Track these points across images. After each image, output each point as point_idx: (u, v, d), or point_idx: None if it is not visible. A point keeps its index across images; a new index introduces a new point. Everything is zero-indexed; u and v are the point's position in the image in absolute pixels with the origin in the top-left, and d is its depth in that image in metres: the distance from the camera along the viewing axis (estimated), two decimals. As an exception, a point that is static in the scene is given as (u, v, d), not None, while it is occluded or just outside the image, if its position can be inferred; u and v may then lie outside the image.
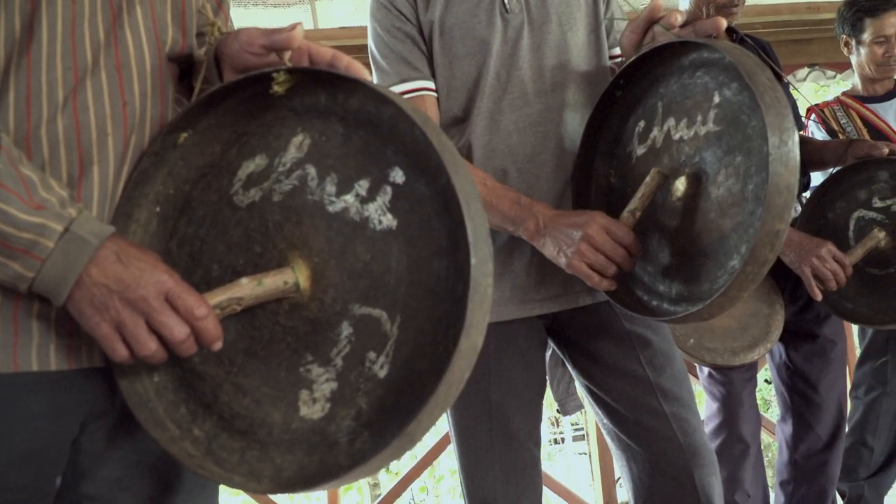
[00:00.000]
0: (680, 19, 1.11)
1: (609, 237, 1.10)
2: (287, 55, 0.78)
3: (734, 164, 1.04)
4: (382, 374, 0.70)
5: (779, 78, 2.00)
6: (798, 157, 0.96)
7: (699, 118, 1.09)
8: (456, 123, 1.32)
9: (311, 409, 0.73)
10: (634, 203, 1.11)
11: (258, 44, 0.80)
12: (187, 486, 0.89)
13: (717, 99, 1.07)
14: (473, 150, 1.29)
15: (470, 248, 0.64)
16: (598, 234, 1.10)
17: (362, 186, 0.73)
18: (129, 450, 0.84)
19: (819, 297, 1.81)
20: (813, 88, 4.25)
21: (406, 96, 1.30)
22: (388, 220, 0.72)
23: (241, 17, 3.30)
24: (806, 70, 3.52)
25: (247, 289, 0.73)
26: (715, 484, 1.23)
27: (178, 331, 0.70)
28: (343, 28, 3.31)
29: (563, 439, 10.43)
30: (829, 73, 3.50)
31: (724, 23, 1.07)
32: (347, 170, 0.74)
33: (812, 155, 2.08)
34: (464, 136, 1.31)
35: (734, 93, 1.05)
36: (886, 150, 1.80)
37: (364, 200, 0.73)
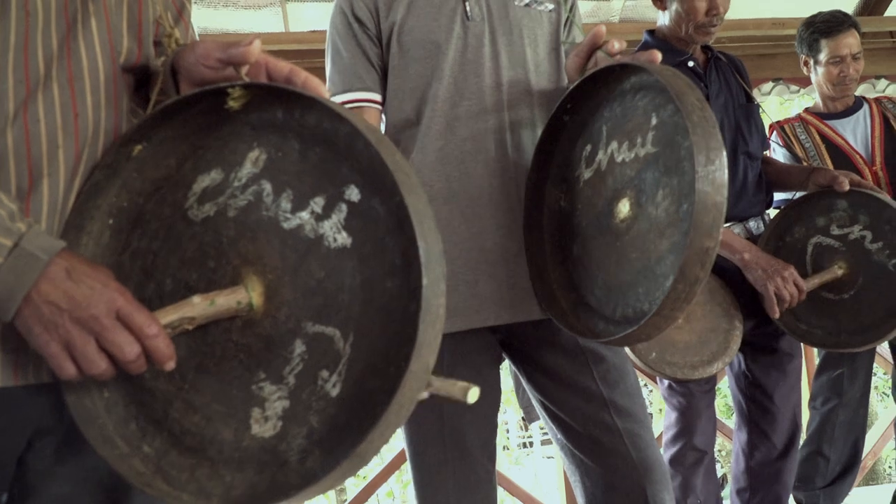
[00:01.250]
0: (618, 46, 1.13)
1: None
2: (244, 69, 0.78)
3: (671, 185, 1.05)
4: (335, 392, 0.70)
5: (749, 99, 2.04)
6: (725, 177, 0.96)
7: (639, 140, 1.10)
8: (408, 126, 1.32)
9: (263, 427, 0.73)
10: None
11: (214, 57, 0.79)
12: (136, 502, 0.88)
13: (654, 121, 1.09)
14: (427, 153, 1.29)
15: (422, 268, 0.64)
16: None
17: (317, 203, 0.73)
18: (78, 466, 0.83)
19: (777, 315, 1.87)
20: (777, 102, 4.32)
21: (347, 106, 1.30)
22: (343, 238, 0.71)
23: (211, 19, 3.27)
24: (770, 84, 3.58)
25: (199, 308, 0.72)
26: (667, 499, 1.24)
27: (128, 350, 0.69)
28: (313, 31, 3.29)
29: (531, 443, 10.48)
30: (793, 87, 3.56)
31: (658, 56, 1.09)
32: (303, 186, 0.73)
33: (775, 177, 2.13)
34: (416, 140, 1.30)
35: (670, 114, 1.06)
36: (847, 186, 1.86)
37: (319, 218, 0.72)
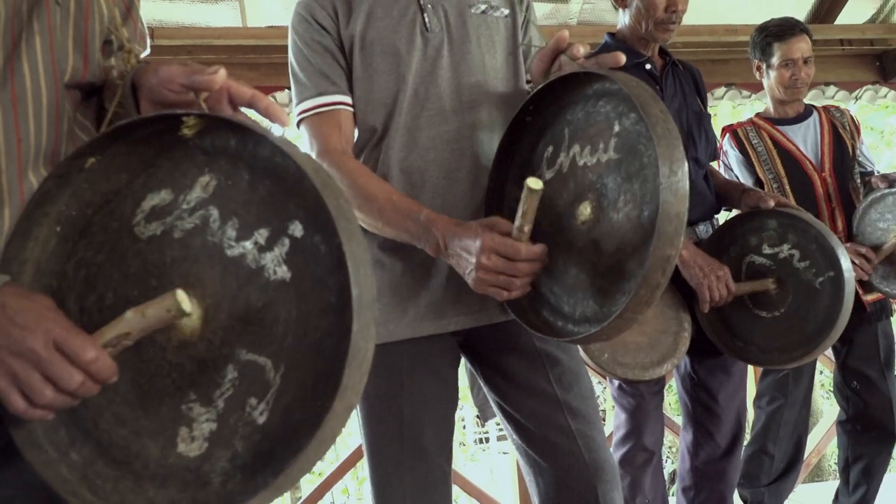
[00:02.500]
0: (583, 51, 1.15)
1: (501, 258, 1.10)
2: (203, 95, 0.79)
3: (632, 191, 1.08)
4: (261, 420, 0.72)
5: (703, 108, 2.09)
6: (687, 187, 1.00)
7: (601, 146, 1.13)
8: (374, 137, 1.33)
9: (189, 446, 0.74)
10: (519, 220, 1.10)
11: (178, 82, 0.80)
12: None
13: (617, 128, 1.11)
14: (391, 165, 1.30)
15: (353, 314, 0.66)
16: (490, 259, 1.10)
17: (262, 235, 0.74)
18: (20, 469, 0.82)
19: (706, 310, 1.93)
20: (730, 106, 4.42)
21: (322, 109, 1.30)
22: (283, 272, 0.73)
23: (167, 12, 3.21)
24: (723, 89, 3.66)
25: (133, 322, 0.72)
26: (617, 499, 1.27)
27: (69, 380, 0.69)
28: (272, 27, 3.25)
29: (487, 439, 10.55)
30: (745, 92, 3.65)
31: (622, 58, 1.11)
32: (249, 216, 0.75)
33: (716, 190, 2.17)
34: (382, 151, 1.31)
35: (632, 123, 1.09)
36: (773, 204, 1.93)
37: (262, 249, 0.74)
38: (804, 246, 1.88)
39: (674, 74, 2.07)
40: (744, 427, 2.14)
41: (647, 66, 2.01)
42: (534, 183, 1.06)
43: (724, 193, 2.15)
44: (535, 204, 1.08)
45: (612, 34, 2.11)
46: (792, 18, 2.42)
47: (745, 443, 2.35)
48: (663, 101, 1.93)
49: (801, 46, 2.36)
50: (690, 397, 2.12)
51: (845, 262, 1.81)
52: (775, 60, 2.39)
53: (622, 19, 2.07)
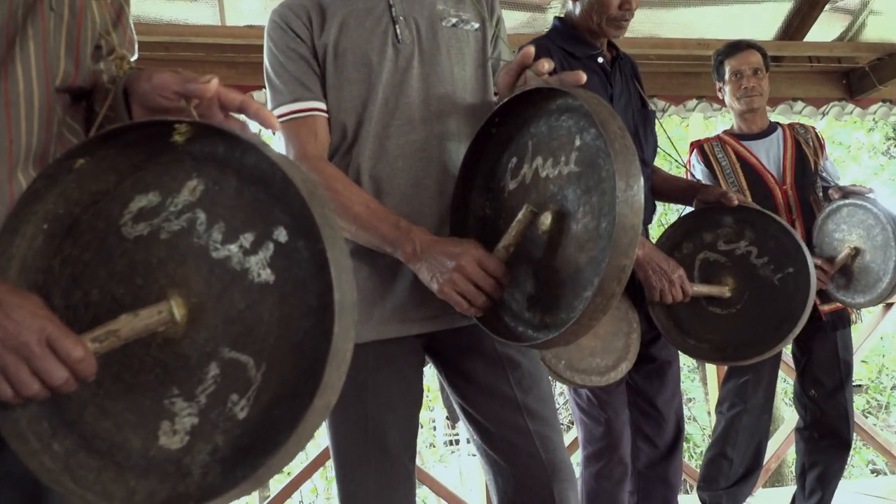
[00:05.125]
0: (547, 67, 1.19)
1: (480, 269, 1.16)
2: (194, 102, 0.81)
3: (591, 203, 1.13)
4: (242, 415, 0.74)
5: (644, 104, 2.10)
6: (642, 200, 1.05)
7: (563, 158, 1.17)
8: (344, 144, 1.36)
9: (171, 439, 0.77)
10: (508, 239, 1.18)
11: (172, 90, 0.82)
12: (56, 498, 0.90)
13: (578, 142, 1.16)
14: (360, 172, 1.33)
15: (335, 317, 0.69)
16: (470, 265, 1.16)
17: (247, 239, 0.77)
18: (4, 458, 0.84)
19: (653, 305, 1.95)
20: (701, 118, 4.50)
21: (298, 115, 1.33)
22: (267, 275, 0.76)
23: (145, 8, 3.21)
24: (695, 101, 3.74)
25: (123, 321, 0.75)
26: (572, 497, 1.31)
27: (56, 376, 0.72)
28: (250, 27, 3.25)
29: (457, 441, 10.56)
30: (716, 105, 3.73)
31: (583, 77, 1.16)
32: (235, 221, 0.77)
33: (659, 185, 2.18)
34: (352, 158, 1.35)
35: (592, 138, 1.14)
36: (736, 201, 1.93)
37: (247, 252, 0.76)
38: (762, 242, 1.88)
39: (620, 69, 2.06)
40: (683, 430, 2.16)
41: (600, 60, 2.00)
42: (536, 208, 1.16)
43: (669, 187, 2.16)
44: (527, 227, 1.17)
45: (560, 19, 2.07)
46: (743, 39, 2.55)
47: (706, 447, 2.38)
48: (612, 99, 1.95)
49: (750, 60, 2.47)
50: (629, 404, 2.13)
51: (809, 258, 1.80)
52: (727, 76, 2.51)
53: (571, 7, 2.01)
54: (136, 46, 1.07)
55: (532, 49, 1.21)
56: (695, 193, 2.06)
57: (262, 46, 1.41)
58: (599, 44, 2.01)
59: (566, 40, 1.99)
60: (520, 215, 1.18)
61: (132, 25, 1.06)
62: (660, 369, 2.10)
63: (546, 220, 1.17)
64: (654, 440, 2.11)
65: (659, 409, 2.10)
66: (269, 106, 1.37)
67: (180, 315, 0.77)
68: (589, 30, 1.98)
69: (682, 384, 2.27)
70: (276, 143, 1.38)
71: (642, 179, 1.05)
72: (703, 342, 1.95)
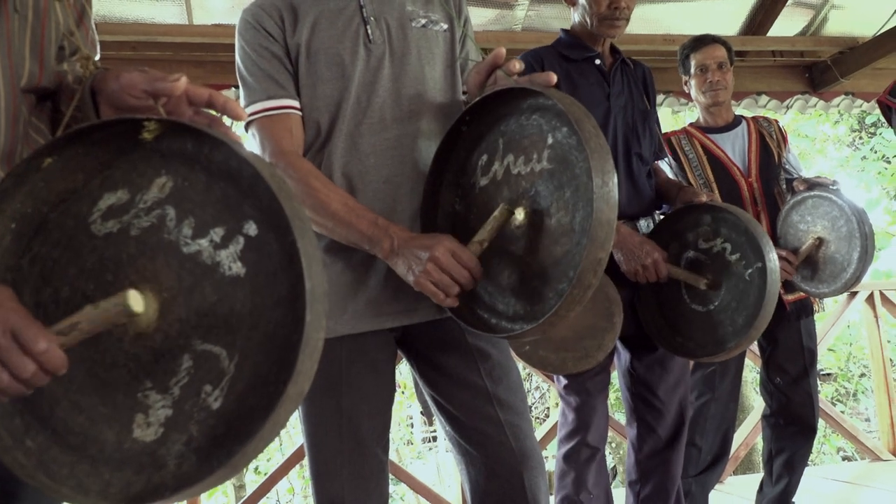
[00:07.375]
0: (518, 67, 1.22)
1: (454, 260, 1.19)
2: (162, 100, 0.82)
3: (564, 199, 1.15)
4: (216, 405, 0.76)
5: (649, 106, 2.16)
6: (616, 196, 1.08)
7: (535, 156, 1.20)
8: (317, 142, 1.37)
9: (145, 431, 0.78)
10: (482, 234, 1.21)
11: (140, 88, 0.83)
12: (30, 492, 0.90)
13: (550, 140, 1.18)
14: (333, 170, 1.35)
15: (307, 305, 0.71)
16: (444, 256, 1.19)
17: (217, 234, 0.78)
18: None
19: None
20: (669, 113, 4.56)
21: (272, 112, 1.34)
22: (238, 268, 0.77)
23: (112, 8, 3.19)
24: (662, 96, 3.80)
25: (84, 313, 0.76)
26: (542, 485, 1.34)
27: (22, 369, 0.72)
28: (218, 25, 3.25)
29: (434, 438, 10.60)
30: (682, 100, 3.79)
31: (553, 78, 1.18)
32: (205, 216, 0.79)
33: (658, 188, 2.24)
34: (325, 156, 1.36)
35: (564, 136, 1.17)
36: (705, 198, 2.00)
37: (217, 247, 0.78)
38: (734, 239, 1.92)
39: (622, 72, 2.13)
40: (686, 420, 2.18)
41: (597, 62, 2.08)
42: (509, 205, 1.19)
43: (665, 191, 2.22)
44: (502, 224, 1.20)
45: (565, 30, 2.18)
46: (708, 34, 2.58)
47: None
48: (610, 97, 2.02)
49: (714, 54, 2.52)
50: (631, 393, 2.18)
51: (770, 252, 1.85)
52: (692, 69, 2.55)
53: (573, 17, 2.14)
54: (98, 47, 1.07)
55: (503, 50, 1.23)
56: (677, 194, 2.12)
57: (230, 45, 1.41)
58: (598, 47, 2.10)
59: (565, 46, 2.12)
60: (496, 213, 1.20)
61: (94, 26, 1.07)
62: (662, 359, 2.13)
63: (520, 215, 1.19)
64: (655, 429, 2.14)
65: (661, 398, 2.13)
66: (243, 104, 1.38)
67: (140, 306, 0.77)
68: (587, 34, 2.09)
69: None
70: (250, 141, 1.38)
71: (616, 177, 1.08)
72: (689, 340, 2.00)
